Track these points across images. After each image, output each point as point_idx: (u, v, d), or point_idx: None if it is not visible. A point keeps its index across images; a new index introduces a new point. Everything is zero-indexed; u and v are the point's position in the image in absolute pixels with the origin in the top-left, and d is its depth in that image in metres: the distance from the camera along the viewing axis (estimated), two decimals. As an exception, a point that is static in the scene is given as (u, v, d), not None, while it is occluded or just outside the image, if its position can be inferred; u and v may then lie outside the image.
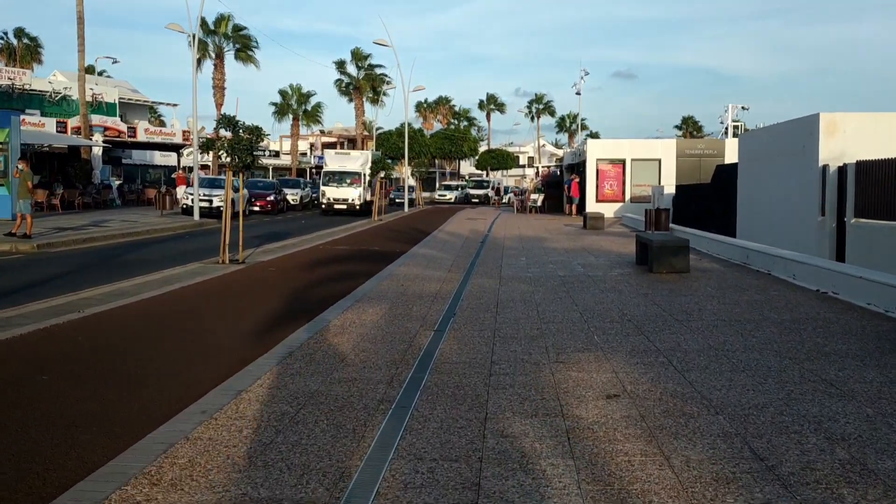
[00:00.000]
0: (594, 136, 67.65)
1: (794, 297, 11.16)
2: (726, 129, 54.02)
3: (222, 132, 15.79)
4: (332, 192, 40.47)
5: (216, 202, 32.27)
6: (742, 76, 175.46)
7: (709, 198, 28.44)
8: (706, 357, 7.40)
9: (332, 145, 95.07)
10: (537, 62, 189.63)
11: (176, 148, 52.59)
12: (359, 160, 42.28)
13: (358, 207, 39.73)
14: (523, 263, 16.42)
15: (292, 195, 44.98)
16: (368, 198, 40.19)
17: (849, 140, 17.58)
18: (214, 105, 57.19)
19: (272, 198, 39.66)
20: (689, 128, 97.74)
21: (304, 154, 79.89)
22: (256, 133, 15.96)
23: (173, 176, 42.43)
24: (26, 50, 65.64)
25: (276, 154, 75.81)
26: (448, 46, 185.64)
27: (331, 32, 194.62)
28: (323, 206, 40.78)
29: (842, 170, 17.05)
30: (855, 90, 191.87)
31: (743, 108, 50.98)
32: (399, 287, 12.56)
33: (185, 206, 33.69)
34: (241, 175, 16.90)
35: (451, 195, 65.87)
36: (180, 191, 35.83)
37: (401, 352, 7.65)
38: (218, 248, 16.42)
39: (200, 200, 31.66)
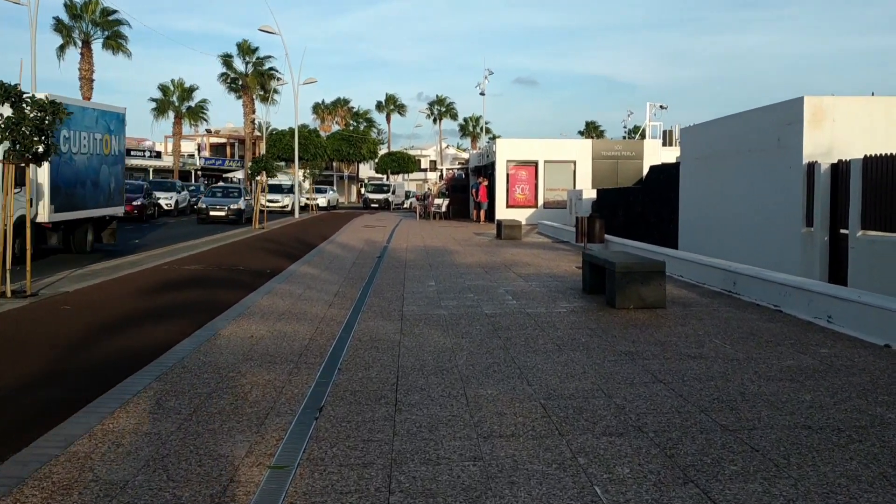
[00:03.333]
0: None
1: (868, 363, 7.12)
2: (642, 130, 51.04)
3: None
4: None
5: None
6: (637, 83, 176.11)
7: (640, 204, 24.76)
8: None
9: (221, 146, 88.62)
10: (439, 67, 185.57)
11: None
12: None
13: None
14: (432, 291, 12.11)
15: (165, 199, 40.13)
16: None
17: (838, 131, 13.98)
18: (82, 99, 50.96)
19: (139, 202, 34.28)
20: (592, 132, 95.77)
21: (191, 155, 73.58)
22: (52, 110, 11.06)
23: None
24: None
25: (159, 155, 69.10)
26: (347, 50, 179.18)
27: (227, 34, 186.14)
28: None
29: (837, 168, 13.38)
30: (744, 98, 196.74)
31: (661, 107, 48.22)
32: (247, 340, 8.08)
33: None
34: (26, 171, 11.92)
35: (282, 199, 46.35)
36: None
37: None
38: (22, 272, 11.65)
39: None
